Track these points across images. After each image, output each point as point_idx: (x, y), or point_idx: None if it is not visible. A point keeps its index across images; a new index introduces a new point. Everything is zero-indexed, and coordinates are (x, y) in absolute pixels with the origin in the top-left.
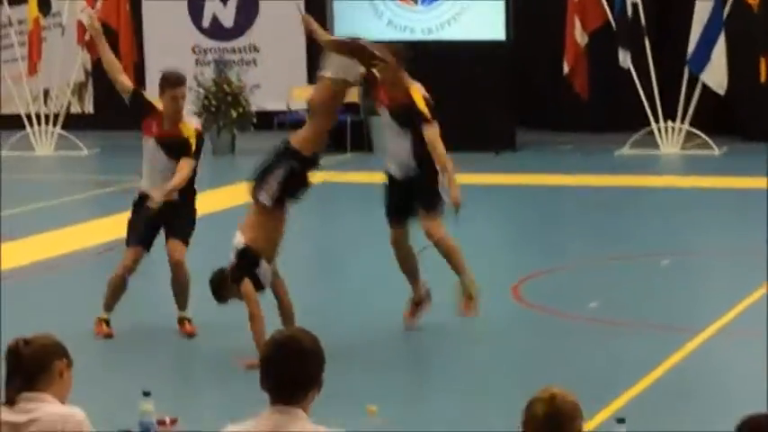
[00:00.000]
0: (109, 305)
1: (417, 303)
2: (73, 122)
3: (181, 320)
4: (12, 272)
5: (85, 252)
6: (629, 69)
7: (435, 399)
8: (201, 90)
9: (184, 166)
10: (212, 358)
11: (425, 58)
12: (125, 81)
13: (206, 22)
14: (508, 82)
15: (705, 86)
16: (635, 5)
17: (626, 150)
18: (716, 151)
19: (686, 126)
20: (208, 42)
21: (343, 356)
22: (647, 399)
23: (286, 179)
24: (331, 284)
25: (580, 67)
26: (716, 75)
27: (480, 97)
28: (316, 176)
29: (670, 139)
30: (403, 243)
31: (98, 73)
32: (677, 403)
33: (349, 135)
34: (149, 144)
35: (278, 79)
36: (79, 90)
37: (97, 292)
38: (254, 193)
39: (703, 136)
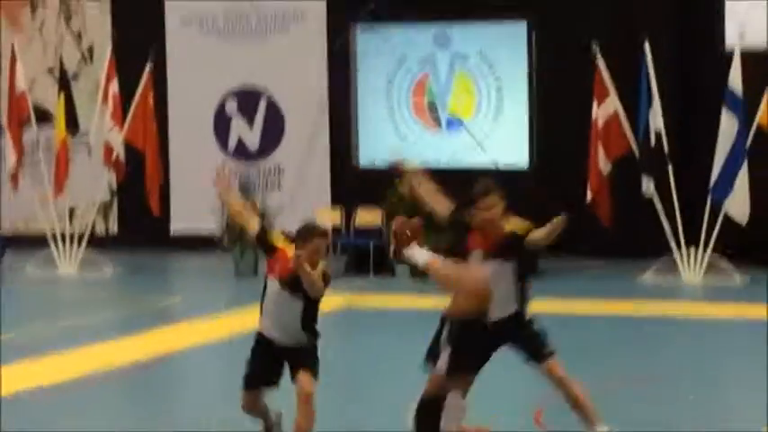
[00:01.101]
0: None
1: None
2: (97, 242)
3: None
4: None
5: (114, 370)
6: (651, 197)
7: None
8: (226, 212)
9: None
10: None
11: (449, 183)
12: (252, 225)
13: (232, 144)
14: (529, 208)
15: (728, 215)
16: (658, 133)
17: (648, 276)
18: (738, 280)
19: (709, 253)
20: (233, 164)
21: None
22: None
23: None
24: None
25: (603, 195)
26: (738, 204)
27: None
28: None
29: (692, 266)
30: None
31: (123, 193)
32: None
33: (372, 259)
34: (273, 285)
35: (302, 201)
36: (104, 209)
37: (124, 410)
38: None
39: (726, 265)
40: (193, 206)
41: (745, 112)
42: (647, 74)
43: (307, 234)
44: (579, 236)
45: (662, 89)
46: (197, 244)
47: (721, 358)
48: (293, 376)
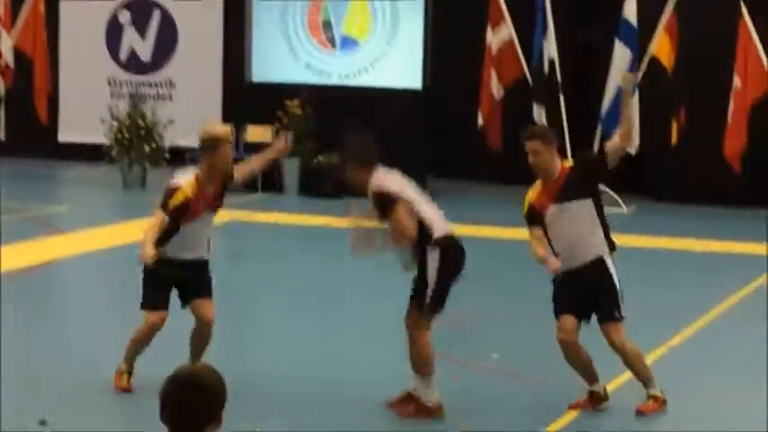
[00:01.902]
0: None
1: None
2: None
3: None
4: None
5: None
6: (542, 124)
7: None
8: (115, 123)
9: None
10: None
11: (340, 102)
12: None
13: (123, 55)
14: (422, 130)
15: None
16: (552, 62)
17: None
18: (624, 210)
19: None
20: (124, 75)
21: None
22: None
23: None
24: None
25: (494, 120)
26: None
27: (393, 144)
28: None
29: None
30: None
31: (11, 100)
32: None
33: (260, 176)
34: (206, 217)
35: (192, 116)
36: None
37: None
38: None
39: (612, 194)
40: (83, 116)
41: (639, 43)
42: (543, 2)
43: (213, 142)
44: (469, 160)
45: (557, 17)
46: (85, 154)
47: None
48: (187, 300)
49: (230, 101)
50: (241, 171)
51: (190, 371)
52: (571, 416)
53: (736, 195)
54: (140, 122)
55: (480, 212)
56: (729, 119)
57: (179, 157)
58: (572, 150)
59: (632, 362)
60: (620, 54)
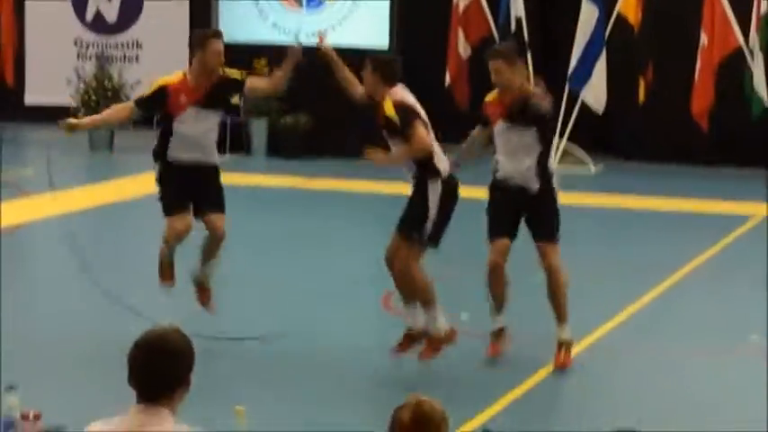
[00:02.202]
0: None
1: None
2: None
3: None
4: None
5: None
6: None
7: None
8: (82, 84)
9: (273, 78)
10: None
11: (307, 62)
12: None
13: (89, 16)
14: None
15: (585, 104)
16: (519, 20)
17: None
18: (592, 169)
19: (564, 142)
20: (90, 36)
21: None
22: (518, 407)
23: None
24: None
25: (461, 79)
26: (595, 93)
27: (359, 104)
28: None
29: None
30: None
31: None
32: (548, 414)
33: (228, 137)
34: (190, 112)
35: (159, 77)
36: None
37: None
38: None
39: (580, 153)
40: (49, 77)
41: (604, 0)
42: None
43: (202, 38)
44: (437, 119)
45: None
46: (52, 116)
47: (574, 245)
48: (198, 213)
49: None
50: (252, 86)
51: (157, 334)
52: (542, 374)
53: (704, 153)
54: (107, 84)
55: None
56: (696, 76)
57: (147, 119)
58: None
59: (559, 290)
60: (588, 11)
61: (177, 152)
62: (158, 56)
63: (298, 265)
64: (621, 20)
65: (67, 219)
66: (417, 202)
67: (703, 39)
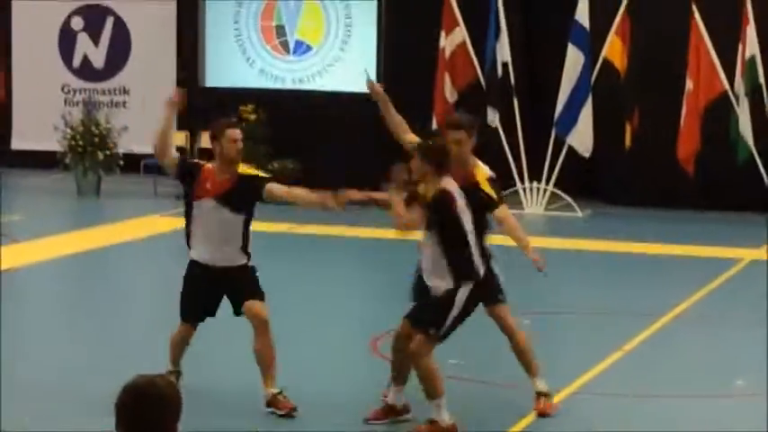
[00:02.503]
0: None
1: None
2: None
3: (275, 399)
4: None
5: None
6: (497, 128)
7: None
8: (69, 130)
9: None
10: None
11: (294, 108)
12: (168, 154)
13: (77, 62)
14: (376, 134)
15: (571, 149)
16: (505, 65)
17: None
18: (579, 214)
19: (551, 187)
20: (77, 82)
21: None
22: None
23: None
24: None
25: None
26: (582, 138)
27: (347, 149)
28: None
29: (534, 199)
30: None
31: None
32: None
33: None
34: (208, 204)
35: (146, 122)
36: None
37: None
38: None
39: (567, 198)
40: (36, 124)
41: (591, 45)
42: (496, 5)
43: (219, 128)
44: None
45: (510, 21)
46: (39, 162)
47: (560, 286)
48: (239, 305)
49: (184, 107)
50: (279, 193)
51: (145, 381)
52: (529, 420)
53: (690, 198)
54: (94, 130)
55: None
56: (682, 121)
57: (133, 164)
58: (527, 155)
59: (524, 347)
60: (573, 57)
61: (199, 250)
62: (145, 101)
63: (291, 312)
64: (607, 65)
65: (56, 264)
66: (444, 299)
67: (689, 84)
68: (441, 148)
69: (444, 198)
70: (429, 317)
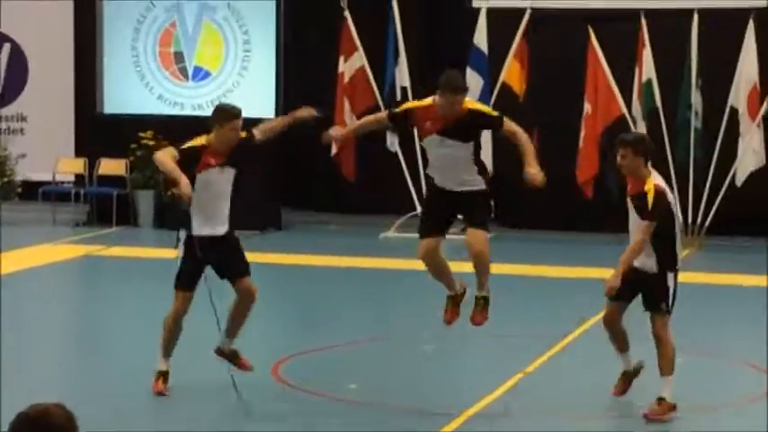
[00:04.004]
0: (168, 350)
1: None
2: None
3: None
4: None
5: None
6: (396, 153)
7: None
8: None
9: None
10: None
11: (194, 134)
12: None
13: None
14: (275, 161)
15: None
16: (404, 89)
17: (391, 233)
18: None
19: None
20: None
21: None
22: None
23: None
24: (95, 359)
25: (347, 149)
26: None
27: (246, 174)
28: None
29: None
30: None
31: None
32: None
33: (115, 209)
34: (210, 176)
35: (45, 150)
36: None
37: None
38: None
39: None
40: None
41: (490, 69)
42: (394, 30)
43: (227, 116)
44: (324, 190)
45: (409, 46)
46: None
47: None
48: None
49: (83, 134)
50: (262, 129)
51: (39, 410)
52: None
53: (589, 221)
54: None
55: (337, 243)
56: (581, 145)
57: (32, 191)
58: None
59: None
60: (472, 81)
61: (201, 227)
62: (43, 128)
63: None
64: (506, 88)
65: None
66: (660, 283)
67: (587, 107)
68: (648, 141)
69: (664, 196)
70: (656, 300)
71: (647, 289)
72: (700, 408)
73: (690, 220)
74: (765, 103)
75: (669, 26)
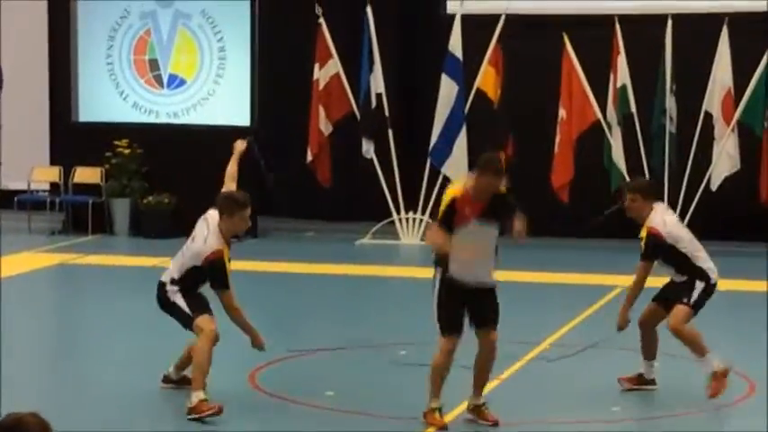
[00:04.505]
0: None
1: None
2: None
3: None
4: None
5: None
6: (371, 159)
7: None
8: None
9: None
10: None
11: (169, 142)
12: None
13: None
14: (250, 169)
15: (447, 179)
16: (379, 96)
17: (367, 240)
18: None
19: (426, 218)
20: None
21: None
22: None
23: None
24: (70, 367)
25: (323, 156)
26: (457, 168)
27: (222, 183)
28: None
29: (410, 230)
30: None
31: None
32: None
33: (90, 217)
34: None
35: (20, 158)
36: None
37: None
38: None
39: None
40: None
41: (465, 76)
42: (369, 37)
43: (239, 205)
44: (300, 197)
45: (383, 52)
46: None
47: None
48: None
49: (58, 142)
50: (229, 177)
51: (13, 419)
52: None
53: (564, 227)
54: None
55: (313, 249)
56: (556, 150)
57: (7, 200)
58: (402, 186)
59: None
60: (447, 87)
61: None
62: (18, 137)
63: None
64: (481, 94)
65: None
66: (680, 287)
67: (562, 113)
68: (654, 185)
69: (656, 237)
70: (673, 294)
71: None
72: (681, 411)
73: None
74: (739, 108)
75: (644, 32)
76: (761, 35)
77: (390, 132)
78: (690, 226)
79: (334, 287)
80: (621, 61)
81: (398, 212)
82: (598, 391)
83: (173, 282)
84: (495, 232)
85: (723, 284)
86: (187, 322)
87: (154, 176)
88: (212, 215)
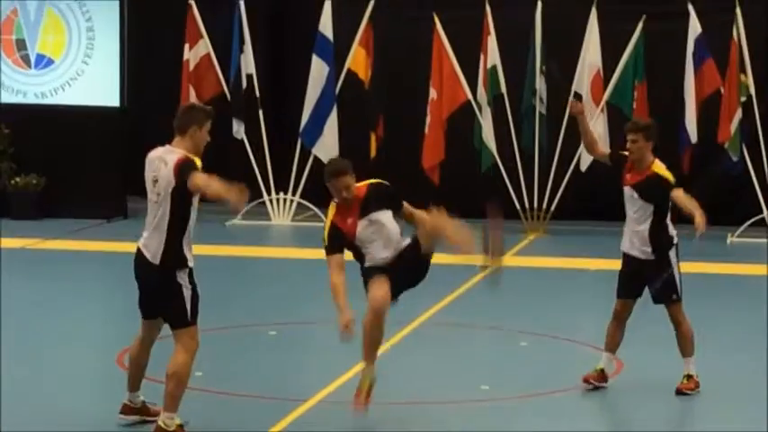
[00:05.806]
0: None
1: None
2: None
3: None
4: None
5: None
6: (242, 140)
7: None
8: None
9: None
10: None
11: (37, 122)
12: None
13: None
14: (120, 149)
15: (317, 160)
16: (249, 77)
17: (237, 221)
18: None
19: (297, 198)
20: None
21: None
22: None
23: None
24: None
25: None
26: (327, 148)
27: (92, 164)
28: None
29: (281, 210)
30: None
31: None
32: None
33: None
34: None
35: None
36: None
37: None
38: None
39: (314, 209)
40: None
41: (336, 56)
42: (239, 17)
43: (205, 115)
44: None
45: (254, 32)
46: None
47: (306, 297)
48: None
49: None
50: (195, 182)
51: None
52: (278, 429)
53: (436, 207)
54: None
55: None
56: (426, 131)
57: None
58: (272, 167)
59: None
60: (318, 68)
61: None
62: None
63: (36, 329)
64: (352, 75)
65: None
66: (660, 267)
67: (432, 93)
68: (656, 127)
69: (667, 181)
70: (666, 288)
71: (652, 281)
72: (544, 391)
73: (535, 205)
74: (609, 89)
75: (514, 13)
76: (629, 16)
77: (261, 113)
78: (560, 206)
79: (204, 268)
80: (492, 42)
81: (269, 193)
82: (465, 369)
83: (182, 265)
84: (389, 213)
85: (596, 264)
86: (180, 322)
87: (22, 157)
88: (166, 150)
